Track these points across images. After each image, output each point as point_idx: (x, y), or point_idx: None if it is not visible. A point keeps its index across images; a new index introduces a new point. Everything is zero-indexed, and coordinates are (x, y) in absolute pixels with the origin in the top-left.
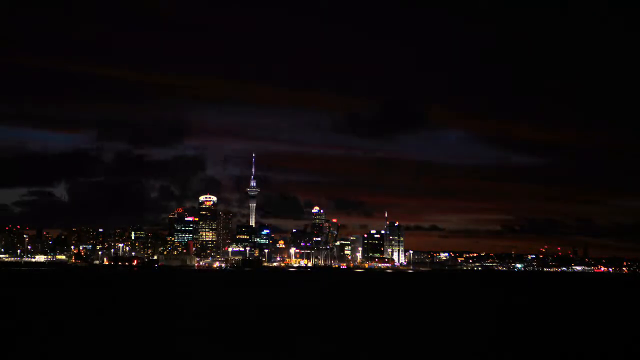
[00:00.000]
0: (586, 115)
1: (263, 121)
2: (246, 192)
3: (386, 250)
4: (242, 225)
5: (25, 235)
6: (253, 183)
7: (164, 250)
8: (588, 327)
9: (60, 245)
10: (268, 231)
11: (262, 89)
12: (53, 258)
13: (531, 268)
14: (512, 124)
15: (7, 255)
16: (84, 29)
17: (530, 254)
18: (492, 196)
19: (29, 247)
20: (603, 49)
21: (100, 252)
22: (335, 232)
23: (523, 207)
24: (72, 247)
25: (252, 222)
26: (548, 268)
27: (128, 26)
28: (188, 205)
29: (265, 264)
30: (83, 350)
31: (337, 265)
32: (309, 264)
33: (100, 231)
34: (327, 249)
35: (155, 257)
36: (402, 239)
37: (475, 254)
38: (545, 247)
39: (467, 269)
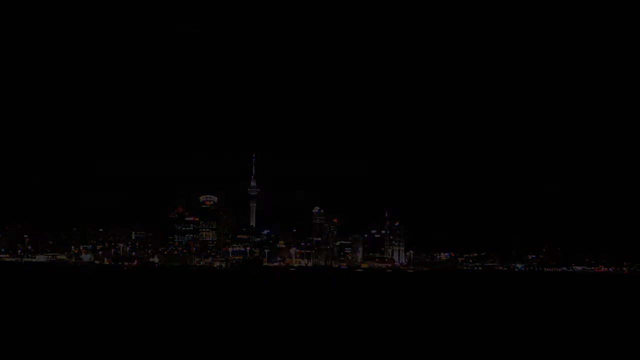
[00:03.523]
0: None
1: None
2: (247, 192)
3: (386, 250)
4: (242, 225)
5: (25, 235)
6: (253, 183)
7: (164, 250)
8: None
9: (60, 245)
10: (268, 231)
11: None
12: (53, 258)
13: (531, 268)
14: None
15: (7, 255)
16: None
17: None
18: None
19: (29, 247)
20: None
21: (100, 252)
22: (336, 232)
23: None
24: (72, 247)
25: (253, 222)
26: (548, 268)
27: None
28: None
29: (266, 263)
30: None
31: (337, 265)
32: (310, 264)
33: (101, 231)
34: (327, 248)
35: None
36: (402, 238)
37: (475, 254)
38: (546, 247)
39: (467, 269)
